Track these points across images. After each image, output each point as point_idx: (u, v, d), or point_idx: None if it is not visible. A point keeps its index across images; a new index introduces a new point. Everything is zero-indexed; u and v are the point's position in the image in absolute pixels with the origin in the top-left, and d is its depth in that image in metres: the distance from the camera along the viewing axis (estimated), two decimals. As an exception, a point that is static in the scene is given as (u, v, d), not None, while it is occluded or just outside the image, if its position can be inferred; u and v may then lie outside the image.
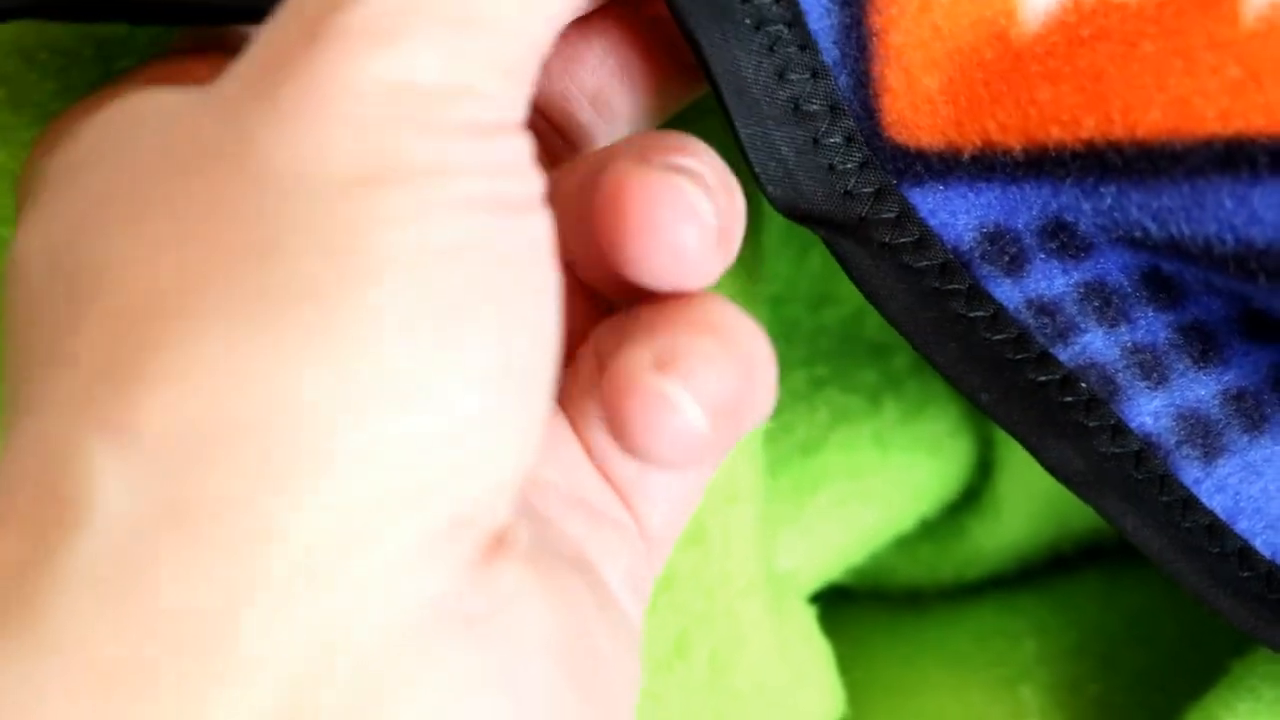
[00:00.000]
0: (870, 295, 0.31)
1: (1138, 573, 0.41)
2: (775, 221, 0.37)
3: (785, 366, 0.38)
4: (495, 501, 0.24)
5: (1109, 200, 0.31)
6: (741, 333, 0.27)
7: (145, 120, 0.25)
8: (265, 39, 0.24)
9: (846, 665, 0.38)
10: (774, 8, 0.31)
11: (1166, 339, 0.32)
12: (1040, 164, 0.31)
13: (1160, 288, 0.32)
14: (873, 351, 0.39)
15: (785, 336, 0.39)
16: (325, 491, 0.23)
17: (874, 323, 0.39)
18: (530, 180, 0.25)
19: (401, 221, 0.23)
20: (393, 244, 0.23)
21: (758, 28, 0.31)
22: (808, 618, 0.37)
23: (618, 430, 0.26)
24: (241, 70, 0.24)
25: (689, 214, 0.26)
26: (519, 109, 0.25)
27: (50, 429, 0.23)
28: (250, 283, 0.23)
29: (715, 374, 0.26)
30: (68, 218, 0.25)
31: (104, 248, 0.24)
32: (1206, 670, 0.37)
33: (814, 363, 0.39)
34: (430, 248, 0.23)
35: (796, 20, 0.31)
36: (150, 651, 0.22)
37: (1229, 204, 0.30)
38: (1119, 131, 0.30)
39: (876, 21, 0.31)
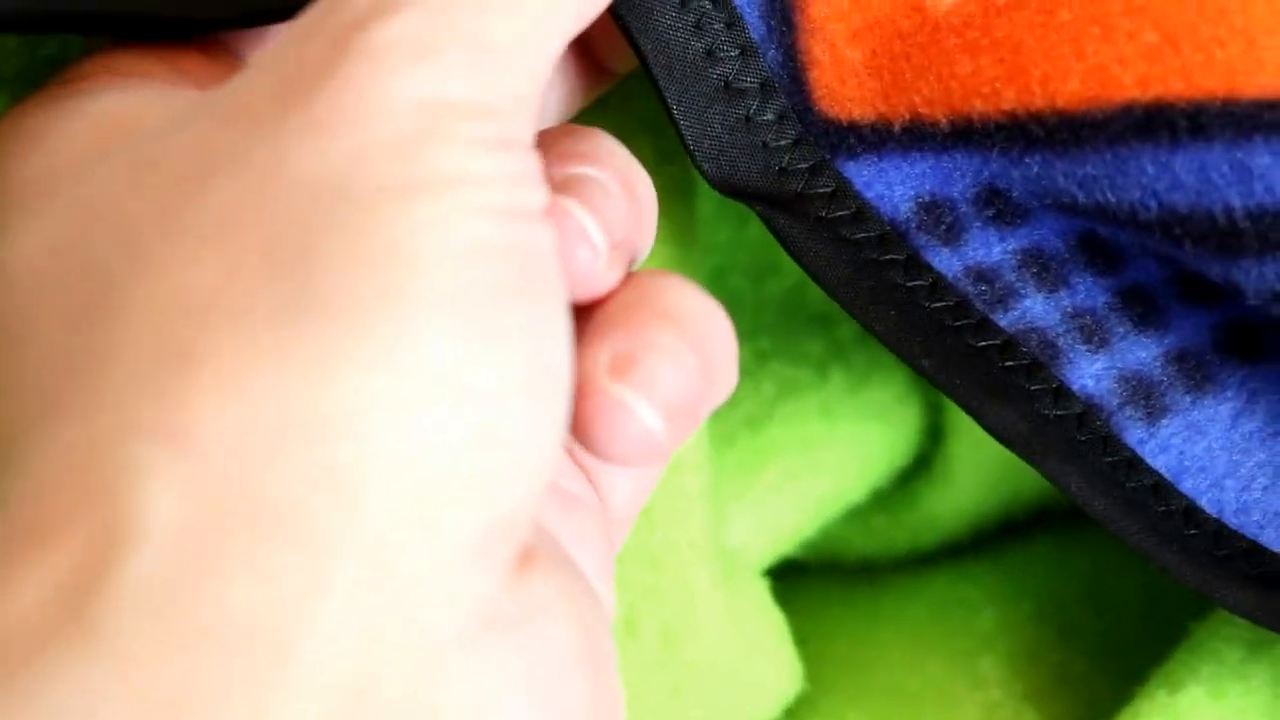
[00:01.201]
0: (808, 268, 0.31)
1: (1091, 536, 0.40)
2: (712, 192, 0.37)
3: (729, 341, 0.38)
4: (528, 506, 0.25)
5: (1035, 169, 0.31)
6: (699, 317, 0.27)
7: (147, 124, 0.26)
8: (285, 54, 0.25)
9: (803, 639, 0.38)
10: None
11: (1106, 303, 0.32)
12: (967, 135, 0.31)
13: (1097, 252, 0.32)
14: (817, 322, 0.39)
15: (728, 310, 0.39)
16: (383, 491, 0.23)
17: (817, 294, 0.39)
18: (540, 193, 0.26)
19: (436, 227, 0.24)
20: (430, 248, 0.24)
21: (684, 4, 0.30)
22: (761, 591, 0.37)
23: (577, 431, 0.26)
24: (261, 81, 0.25)
25: (579, 237, 0.27)
26: (529, 129, 0.26)
27: (93, 435, 0.23)
28: (293, 286, 0.23)
29: (673, 371, 0.27)
30: (72, 221, 0.25)
31: (128, 250, 0.24)
32: (1166, 634, 0.37)
33: (758, 336, 0.39)
34: (464, 251, 0.24)
35: None
36: (212, 664, 0.22)
37: (1151, 170, 0.30)
38: (1039, 102, 0.30)
39: None
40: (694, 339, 0.27)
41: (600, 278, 0.27)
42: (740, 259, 0.39)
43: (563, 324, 0.25)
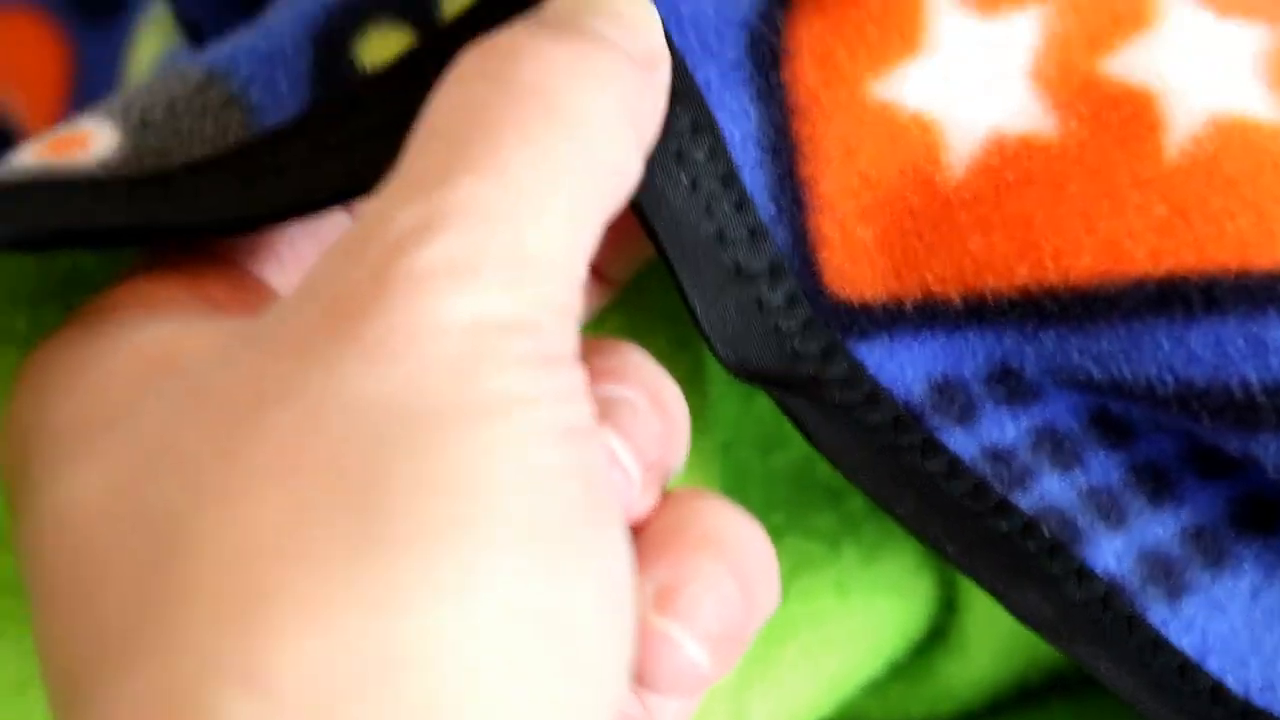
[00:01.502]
0: (827, 454, 0.31)
1: (1107, 702, 0.40)
2: (719, 366, 0.37)
3: (741, 516, 0.38)
4: None
5: (1050, 346, 0.31)
6: (739, 540, 0.28)
7: (187, 360, 0.26)
8: (328, 281, 0.25)
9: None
10: (708, 164, 0.31)
11: (1120, 478, 0.32)
12: (980, 312, 0.31)
13: (1110, 428, 0.32)
14: (827, 495, 0.39)
15: (738, 484, 0.39)
16: None
17: (825, 466, 0.39)
18: (588, 406, 0.26)
19: (498, 452, 0.24)
20: (493, 474, 0.24)
21: (694, 187, 0.31)
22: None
23: None
24: (307, 310, 0.25)
25: (611, 463, 0.27)
26: (572, 340, 0.26)
27: (171, 681, 0.23)
28: (361, 519, 0.23)
29: (716, 601, 0.27)
30: (128, 461, 0.25)
31: (190, 489, 0.24)
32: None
33: (770, 510, 0.39)
34: (527, 476, 0.24)
35: (730, 177, 0.31)
36: None
37: (1166, 345, 0.30)
38: (1053, 277, 0.30)
39: (806, 170, 0.31)
40: (735, 564, 0.27)
41: (635, 503, 0.27)
42: (748, 433, 0.39)
43: (625, 542, 0.25)
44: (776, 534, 0.39)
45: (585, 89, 0.27)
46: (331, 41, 0.30)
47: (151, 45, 0.48)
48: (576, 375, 0.26)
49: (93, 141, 0.30)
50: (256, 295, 0.30)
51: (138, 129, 0.30)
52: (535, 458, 0.24)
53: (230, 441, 0.24)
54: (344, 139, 0.30)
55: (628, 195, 0.28)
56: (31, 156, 0.30)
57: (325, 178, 0.29)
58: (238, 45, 0.31)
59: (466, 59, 0.27)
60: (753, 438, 0.39)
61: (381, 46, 0.31)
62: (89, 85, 0.51)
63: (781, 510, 0.39)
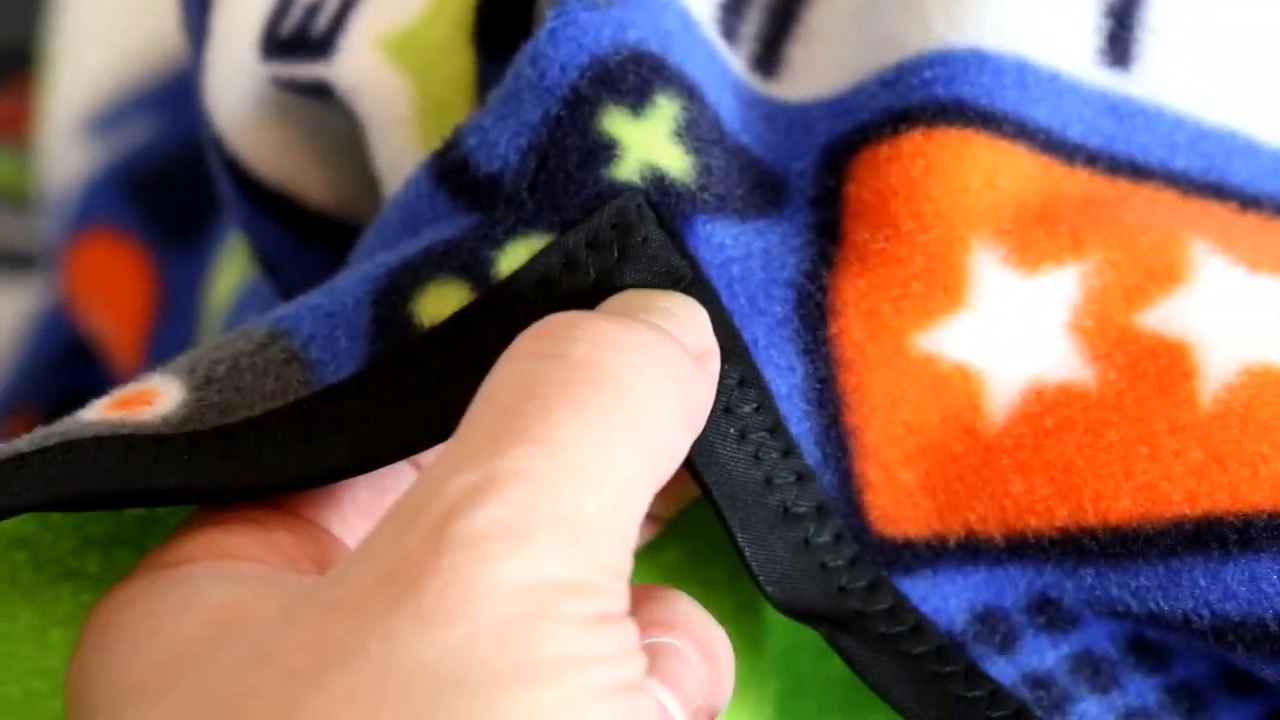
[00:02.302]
0: (875, 686, 0.32)
1: None
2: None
3: (799, 720, 0.39)
4: None
5: (1089, 580, 0.32)
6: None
7: (253, 621, 0.27)
8: (385, 545, 0.26)
9: None
10: (755, 416, 0.32)
11: (1156, 700, 0.33)
12: (1022, 550, 0.32)
13: (1146, 652, 0.33)
14: (880, 698, 0.40)
15: (796, 690, 0.40)
16: None
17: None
18: (641, 660, 0.27)
19: (550, 714, 0.25)
20: None
21: (742, 437, 0.32)
22: None
23: None
24: (365, 572, 0.26)
25: (660, 716, 0.28)
26: (625, 598, 0.27)
27: None
28: None
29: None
30: (194, 718, 0.26)
31: None
32: None
33: (826, 715, 0.40)
34: None
35: (778, 427, 0.33)
36: None
37: (1203, 581, 0.31)
38: (1092, 519, 0.32)
39: (851, 420, 0.33)
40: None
41: None
42: (805, 640, 0.40)
43: None
44: (833, 738, 0.40)
45: (639, 366, 0.28)
46: (391, 298, 0.32)
47: (232, 274, 0.50)
48: (628, 631, 0.27)
49: (157, 398, 0.31)
50: (320, 545, 0.31)
51: (201, 385, 0.31)
52: (586, 717, 0.25)
53: (291, 705, 0.25)
54: (402, 395, 0.31)
55: (676, 468, 0.29)
56: (96, 414, 0.31)
57: (384, 435, 0.31)
58: (303, 304, 0.33)
59: (523, 337, 0.29)
60: (809, 645, 0.41)
61: (440, 302, 0.32)
62: (172, 308, 0.53)
63: (838, 714, 0.40)
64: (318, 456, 0.30)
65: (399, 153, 0.36)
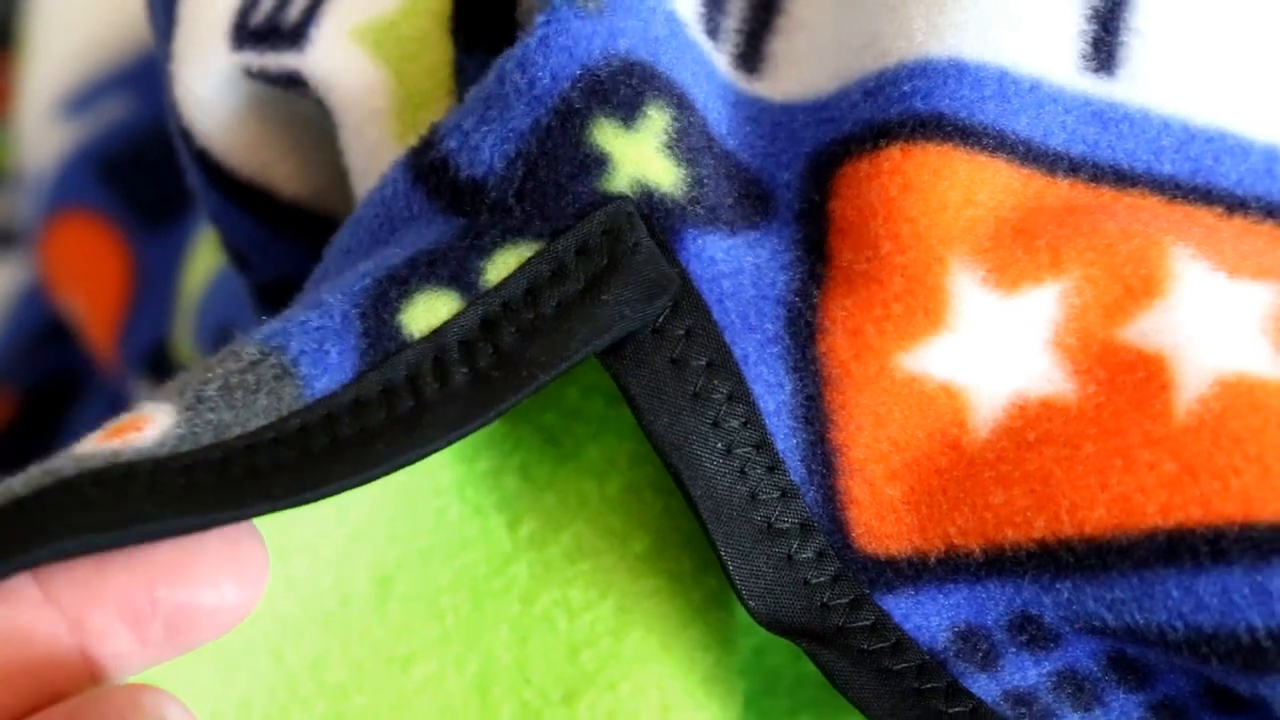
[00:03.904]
0: (855, 701, 0.33)
1: None
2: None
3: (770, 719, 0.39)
4: None
5: (1066, 594, 0.32)
6: None
7: None
8: None
9: None
10: (742, 431, 0.33)
11: (1140, 718, 0.33)
12: (1000, 564, 0.32)
13: (1128, 670, 0.33)
14: (854, 698, 0.40)
15: (769, 689, 0.40)
16: None
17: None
18: None
19: None
20: None
21: (729, 452, 0.32)
22: None
23: None
24: None
25: None
26: None
27: None
28: None
29: None
30: None
31: None
32: None
33: (799, 713, 0.40)
34: None
35: (764, 443, 0.33)
36: None
37: (1176, 593, 0.31)
38: (1068, 529, 0.32)
39: (838, 437, 0.33)
40: None
41: None
42: (778, 639, 0.40)
43: None
44: (803, 734, 0.40)
45: None
46: (379, 310, 0.32)
47: (206, 259, 0.50)
48: None
49: (149, 423, 0.31)
50: None
51: (192, 405, 0.31)
52: None
53: None
54: (395, 409, 0.31)
55: None
56: (90, 445, 0.31)
57: (380, 449, 0.30)
58: (290, 319, 0.32)
59: None
60: (781, 644, 0.40)
61: (429, 312, 0.32)
62: (147, 289, 0.52)
63: (811, 712, 0.40)
64: (319, 472, 0.30)
65: (374, 145, 0.36)
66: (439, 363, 0.31)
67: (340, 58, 0.35)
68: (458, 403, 0.30)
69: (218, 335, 0.48)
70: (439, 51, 0.35)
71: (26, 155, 0.55)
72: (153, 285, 0.52)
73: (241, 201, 0.38)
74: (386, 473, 0.31)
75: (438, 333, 0.31)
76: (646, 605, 0.35)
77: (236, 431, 0.30)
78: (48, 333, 0.58)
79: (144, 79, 0.54)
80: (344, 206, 0.38)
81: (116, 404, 0.55)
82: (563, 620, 0.35)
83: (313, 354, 0.31)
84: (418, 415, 0.31)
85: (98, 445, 0.30)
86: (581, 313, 0.32)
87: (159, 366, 0.51)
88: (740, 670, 0.37)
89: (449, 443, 0.31)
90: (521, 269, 0.32)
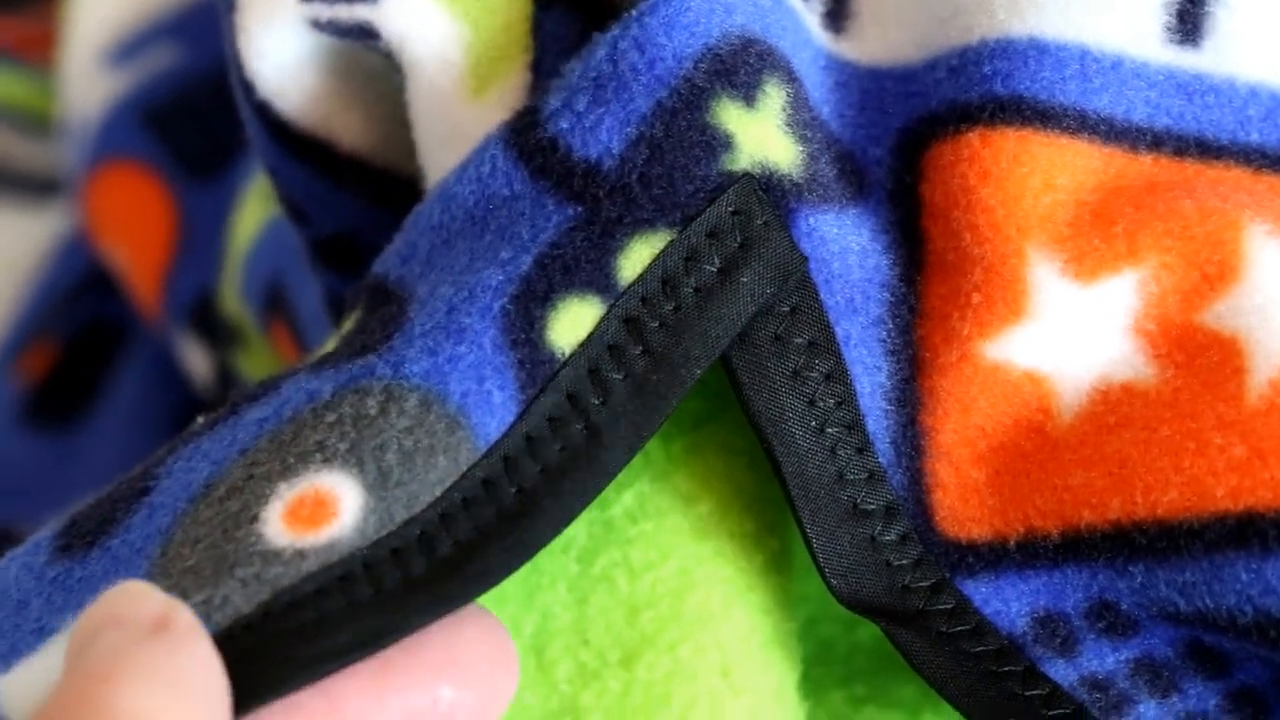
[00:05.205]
0: (931, 681, 0.33)
1: None
2: (801, 546, 0.38)
3: (822, 688, 0.39)
4: None
5: (1140, 578, 0.32)
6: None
7: None
8: None
9: None
10: (836, 411, 0.33)
11: (1217, 705, 0.33)
12: (1076, 546, 0.33)
13: (1205, 658, 0.33)
14: (908, 667, 0.40)
15: (822, 657, 0.40)
16: None
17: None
18: None
19: None
20: None
21: (821, 430, 0.33)
22: None
23: None
24: None
25: None
26: None
27: None
28: None
29: None
30: None
31: None
32: None
33: (851, 682, 0.40)
34: None
35: (856, 424, 0.33)
36: None
37: (1245, 576, 0.31)
38: (1141, 511, 0.32)
39: (928, 421, 0.33)
40: None
41: None
42: (832, 608, 0.40)
43: None
44: (858, 704, 0.40)
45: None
46: (527, 332, 0.31)
47: (256, 212, 0.49)
48: None
49: (339, 506, 0.30)
50: None
51: (377, 484, 0.30)
52: None
53: None
54: (569, 446, 0.31)
55: None
56: (284, 536, 0.30)
57: (569, 500, 0.31)
58: (437, 353, 0.31)
59: None
60: (837, 614, 0.40)
61: (574, 325, 0.32)
62: (192, 241, 0.52)
63: (863, 681, 0.40)
64: (519, 534, 0.30)
65: (445, 99, 0.35)
66: (595, 374, 0.31)
67: (415, 10, 0.35)
68: (626, 418, 0.31)
69: (267, 289, 0.48)
70: (517, 6, 0.35)
71: (71, 104, 0.55)
72: (198, 236, 0.52)
73: (301, 153, 0.38)
74: (579, 513, 0.31)
75: (586, 345, 0.31)
76: (709, 567, 0.35)
77: (426, 500, 0.30)
78: (89, 282, 0.57)
79: (191, 28, 0.54)
80: (406, 161, 0.38)
81: (158, 356, 0.55)
82: (624, 581, 0.35)
83: (475, 395, 0.31)
84: (593, 442, 0.31)
85: (292, 538, 0.30)
86: (722, 296, 0.32)
87: (203, 318, 0.51)
88: (797, 636, 0.37)
89: (627, 463, 0.31)
90: (656, 260, 0.32)
